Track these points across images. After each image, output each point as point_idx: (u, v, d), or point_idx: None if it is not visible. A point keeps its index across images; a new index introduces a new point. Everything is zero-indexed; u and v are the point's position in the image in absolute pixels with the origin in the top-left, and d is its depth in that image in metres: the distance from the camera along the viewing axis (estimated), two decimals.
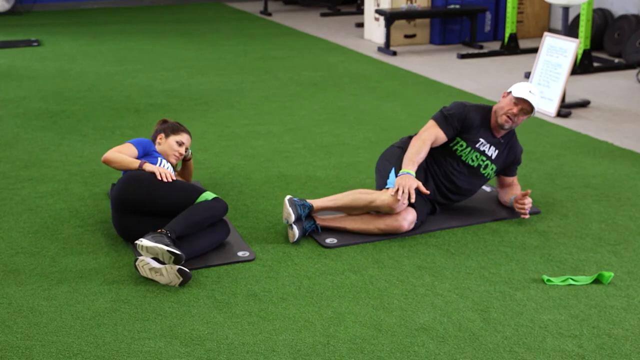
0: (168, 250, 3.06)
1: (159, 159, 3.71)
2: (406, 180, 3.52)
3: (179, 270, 3.08)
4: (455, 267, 3.32)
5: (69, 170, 4.52)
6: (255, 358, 2.65)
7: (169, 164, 3.76)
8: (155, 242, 3.08)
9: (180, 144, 3.85)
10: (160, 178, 3.45)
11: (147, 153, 3.71)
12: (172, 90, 6.55)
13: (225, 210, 3.45)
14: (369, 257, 3.41)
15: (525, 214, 3.73)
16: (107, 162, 3.54)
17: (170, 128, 3.89)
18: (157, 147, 3.84)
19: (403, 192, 3.49)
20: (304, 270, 3.28)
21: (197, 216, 3.32)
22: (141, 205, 3.42)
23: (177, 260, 3.07)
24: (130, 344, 2.72)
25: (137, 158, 3.63)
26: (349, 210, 3.65)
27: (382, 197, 3.54)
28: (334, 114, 5.79)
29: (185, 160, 4.05)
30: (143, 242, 3.10)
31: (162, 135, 3.86)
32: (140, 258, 3.14)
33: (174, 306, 2.98)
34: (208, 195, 3.44)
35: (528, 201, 3.73)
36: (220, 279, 3.20)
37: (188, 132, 3.94)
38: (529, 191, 3.75)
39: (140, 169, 3.51)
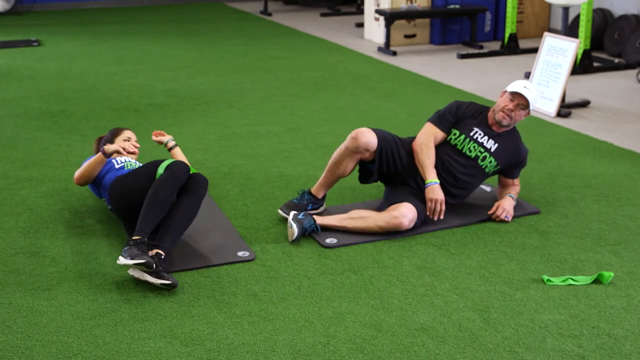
0: (160, 284, 3.05)
1: (118, 159, 3.71)
2: (437, 194, 3.68)
3: (162, 285, 3.05)
4: (455, 267, 3.32)
5: (69, 170, 4.52)
6: (255, 358, 2.65)
7: (130, 159, 3.77)
8: (136, 263, 3.01)
9: (128, 139, 3.88)
10: (126, 152, 3.45)
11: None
12: (172, 90, 6.55)
13: (182, 168, 3.37)
14: (369, 257, 3.41)
15: (506, 220, 3.77)
16: (80, 180, 3.58)
17: (110, 135, 3.93)
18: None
19: (435, 209, 3.69)
20: (304, 270, 3.28)
21: (159, 198, 3.26)
22: (133, 201, 3.42)
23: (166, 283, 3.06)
24: (130, 344, 2.72)
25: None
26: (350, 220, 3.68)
27: (385, 220, 3.59)
28: (334, 114, 5.79)
29: (169, 149, 4.05)
30: (121, 261, 3.04)
31: (108, 144, 3.79)
32: (129, 272, 3.13)
33: (174, 306, 2.98)
34: (162, 166, 3.37)
35: (500, 212, 3.77)
36: (220, 279, 3.19)
37: (128, 129, 3.98)
38: (493, 209, 3.80)
39: (104, 155, 3.50)
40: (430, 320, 2.89)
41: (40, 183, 4.31)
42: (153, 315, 2.92)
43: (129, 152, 3.47)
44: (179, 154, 4.05)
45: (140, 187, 3.38)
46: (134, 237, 3.15)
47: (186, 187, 3.40)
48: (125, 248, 3.10)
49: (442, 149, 3.81)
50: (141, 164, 3.72)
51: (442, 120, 3.84)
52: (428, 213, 3.69)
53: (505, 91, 3.84)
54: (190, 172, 3.45)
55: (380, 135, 3.74)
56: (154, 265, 3.03)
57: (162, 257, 3.16)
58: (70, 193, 4.16)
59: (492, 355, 2.66)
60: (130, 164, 3.70)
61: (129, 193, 3.45)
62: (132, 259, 3.02)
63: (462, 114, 3.87)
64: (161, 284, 3.04)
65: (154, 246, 3.20)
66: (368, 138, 3.69)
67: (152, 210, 3.25)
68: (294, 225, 3.52)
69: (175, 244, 3.33)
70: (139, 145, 3.62)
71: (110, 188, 3.54)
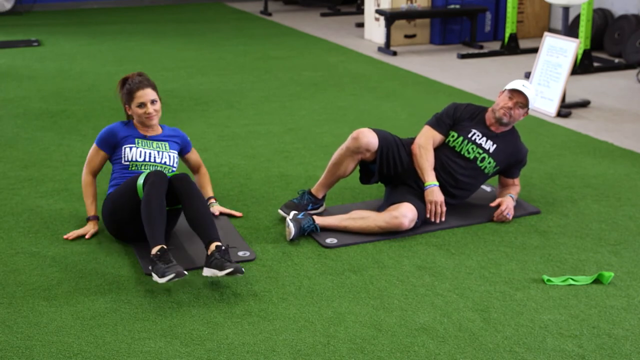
0: (225, 274, 3.04)
1: (133, 147, 3.54)
2: (436, 196, 3.67)
3: (227, 274, 3.04)
4: (455, 267, 3.32)
5: (69, 170, 4.52)
6: (255, 358, 2.65)
7: (138, 158, 3.55)
8: (168, 280, 3.00)
9: (141, 105, 3.55)
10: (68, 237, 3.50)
11: (115, 145, 3.57)
12: (172, 90, 6.55)
13: (159, 176, 3.26)
14: (369, 257, 3.41)
15: (507, 218, 3.77)
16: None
17: (127, 94, 3.58)
18: (134, 120, 3.64)
19: (435, 211, 3.68)
20: (304, 270, 3.28)
21: (153, 208, 3.17)
22: (122, 218, 3.42)
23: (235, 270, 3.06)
24: (130, 344, 2.72)
25: (108, 156, 3.60)
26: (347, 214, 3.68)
27: (385, 220, 3.59)
28: (334, 114, 5.79)
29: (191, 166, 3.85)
30: (156, 279, 3.03)
31: (127, 106, 3.61)
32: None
33: (174, 306, 2.98)
34: (140, 183, 3.28)
35: (504, 208, 3.76)
36: (221, 279, 3.19)
37: (144, 86, 3.56)
38: (497, 203, 3.78)
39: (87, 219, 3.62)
40: (430, 320, 2.89)
41: (40, 183, 4.31)
42: (153, 315, 2.92)
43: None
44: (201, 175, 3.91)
45: (125, 207, 3.35)
46: (153, 252, 3.09)
47: (181, 189, 3.29)
48: (152, 266, 3.07)
49: (441, 151, 3.82)
50: (155, 152, 3.62)
51: (440, 123, 3.85)
52: (428, 215, 3.69)
53: (504, 90, 3.85)
54: (169, 176, 3.36)
55: (381, 135, 3.74)
56: (185, 272, 3.01)
57: (222, 247, 3.12)
58: (70, 193, 4.16)
59: (492, 355, 2.66)
60: (136, 165, 3.56)
61: (117, 212, 3.42)
62: (162, 276, 2.99)
63: (460, 116, 3.87)
64: (226, 274, 3.01)
65: (209, 242, 3.15)
66: (369, 138, 3.69)
67: (153, 221, 3.16)
68: (291, 225, 3.52)
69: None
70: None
71: (102, 207, 3.52)
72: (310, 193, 3.84)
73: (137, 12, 11.83)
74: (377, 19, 8.98)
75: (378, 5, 8.94)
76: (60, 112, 5.84)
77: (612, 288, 3.13)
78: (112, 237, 3.59)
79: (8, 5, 11.43)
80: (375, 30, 9.07)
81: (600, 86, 6.74)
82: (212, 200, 3.86)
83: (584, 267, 3.32)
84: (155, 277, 3.03)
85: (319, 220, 3.62)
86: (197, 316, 2.91)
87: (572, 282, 3.16)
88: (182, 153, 3.83)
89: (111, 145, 3.60)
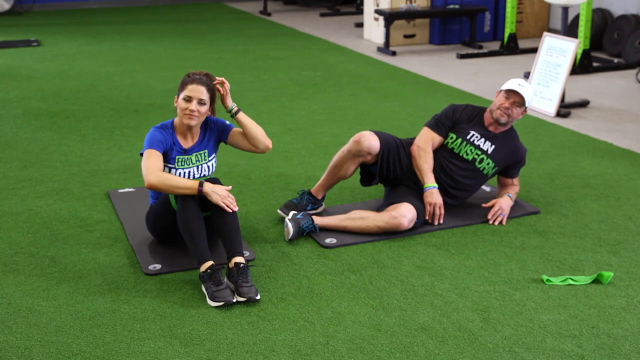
0: (236, 300, 3.02)
1: (172, 169, 3.34)
2: (435, 198, 3.67)
3: (245, 302, 3.03)
4: (454, 267, 3.32)
5: (68, 170, 4.52)
6: (254, 358, 2.65)
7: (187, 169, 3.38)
8: (217, 306, 2.99)
9: (187, 99, 3.28)
10: (226, 208, 3.17)
11: (165, 149, 3.34)
12: (172, 90, 6.54)
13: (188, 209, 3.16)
14: (368, 257, 3.41)
15: (501, 218, 3.76)
16: (152, 188, 3.18)
17: (180, 84, 3.34)
18: (175, 121, 3.44)
19: (434, 213, 3.68)
20: (304, 270, 3.28)
21: (190, 222, 3.13)
22: (165, 226, 3.40)
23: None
24: (129, 344, 2.72)
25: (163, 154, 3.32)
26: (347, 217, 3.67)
27: (384, 220, 3.58)
28: (334, 114, 5.79)
29: (232, 115, 3.41)
30: (208, 301, 3.02)
31: (176, 97, 3.38)
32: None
33: (174, 306, 2.98)
34: (173, 202, 3.24)
35: (496, 209, 3.76)
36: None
37: (200, 83, 3.30)
38: (491, 204, 3.79)
39: (200, 193, 3.16)
40: (429, 320, 2.89)
41: (39, 183, 4.31)
42: (152, 315, 2.92)
43: (226, 207, 3.18)
44: (246, 124, 3.44)
45: (164, 220, 3.34)
46: (203, 269, 3.08)
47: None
48: (204, 285, 3.06)
49: (440, 152, 3.82)
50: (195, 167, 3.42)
51: (439, 124, 3.85)
52: (427, 218, 3.69)
53: (501, 90, 3.85)
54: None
55: (383, 138, 3.74)
56: (234, 300, 3.00)
57: (241, 265, 3.09)
58: (70, 193, 4.16)
59: (491, 355, 2.67)
60: (186, 167, 3.39)
61: (158, 223, 3.41)
62: (212, 299, 2.99)
63: (459, 117, 3.88)
64: (237, 300, 3.01)
65: (231, 256, 3.14)
66: (371, 142, 3.69)
67: (194, 237, 3.13)
68: (290, 225, 3.53)
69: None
70: (236, 209, 3.21)
71: (145, 218, 3.51)
72: (309, 193, 3.85)
73: (136, 12, 11.83)
74: (376, 19, 8.98)
75: (377, 5, 8.94)
76: (59, 112, 5.83)
77: (611, 288, 3.13)
78: (111, 238, 3.59)
79: (7, 6, 11.43)
80: (374, 30, 9.07)
81: (599, 86, 6.74)
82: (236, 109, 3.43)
83: (584, 267, 3.32)
84: (207, 298, 3.03)
85: (318, 220, 3.62)
86: (196, 316, 2.91)
87: (571, 282, 3.16)
88: (224, 140, 3.51)
89: (164, 148, 3.35)
